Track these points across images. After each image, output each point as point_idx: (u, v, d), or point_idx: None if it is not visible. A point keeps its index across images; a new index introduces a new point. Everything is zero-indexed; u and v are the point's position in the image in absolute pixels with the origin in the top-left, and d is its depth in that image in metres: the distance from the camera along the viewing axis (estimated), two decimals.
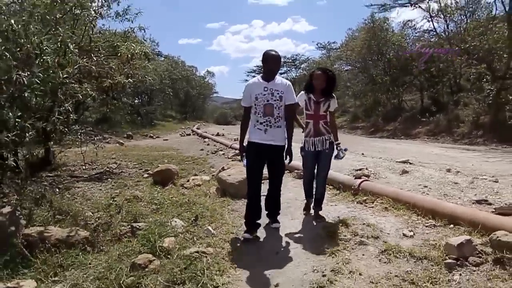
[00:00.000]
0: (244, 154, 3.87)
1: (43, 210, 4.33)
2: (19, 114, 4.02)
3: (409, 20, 20.95)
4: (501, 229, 3.11)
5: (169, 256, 3.25)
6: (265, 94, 3.66)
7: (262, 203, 4.01)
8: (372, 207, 4.47)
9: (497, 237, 2.92)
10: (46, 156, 8.03)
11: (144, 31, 7.96)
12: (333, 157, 4.14)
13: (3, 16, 3.67)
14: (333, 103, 4.05)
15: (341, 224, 3.86)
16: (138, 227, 3.95)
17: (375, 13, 20.32)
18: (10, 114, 3.81)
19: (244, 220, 3.87)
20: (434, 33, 19.58)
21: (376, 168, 6.08)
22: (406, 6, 20.89)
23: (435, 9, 17.17)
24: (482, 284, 2.61)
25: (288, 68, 45.40)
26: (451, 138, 14.30)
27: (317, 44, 39.66)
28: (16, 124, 3.99)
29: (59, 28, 5.23)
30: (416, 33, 21.13)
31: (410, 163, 6.60)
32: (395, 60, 19.23)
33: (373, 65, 20.95)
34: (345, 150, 4.19)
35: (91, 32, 6.75)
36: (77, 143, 7.93)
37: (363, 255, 3.24)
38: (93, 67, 5.30)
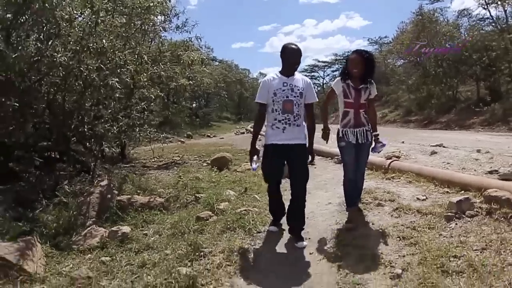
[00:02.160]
0: (254, 156, 3.52)
1: (128, 186, 5.56)
2: (109, 111, 5.28)
3: (464, 9, 20.44)
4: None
5: (224, 213, 4.23)
6: (284, 90, 3.37)
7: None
8: (398, 181, 5.11)
9: (488, 193, 3.51)
10: (122, 151, 9.55)
11: (200, 40, 9.16)
12: (372, 150, 3.84)
13: (96, 38, 4.88)
14: (373, 89, 3.69)
15: (365, 192, 4.57)
16: (200, 197, 4.99)
17: (426, 5, 20.11)
18: (104, 110, 5.04)
19: (270, 212, 3.87)
20: (491, 20, 18.98)
21: (409, 151, 6.64)
22: None
23: None
24: (470, 228, 3.24)
25: (340, 66, 45.22)
26: (507, 127, 13.94)
27: (368, 40, 39.27)
28: (107, 118, 5.25)
29: (133, 43, 6.51)
30: (472, 21, 20.55)
31: (444, 147, 7.01)
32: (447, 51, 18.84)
33: (424, 58, 20.64)
34: (383, 145, 3.83)
35: (157, 43, 8.07)
36: (146, 141, 9.32)
37: (379, 212, 3.97)
38: (162, 72, 6.51)
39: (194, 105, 31.74)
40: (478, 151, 6.03)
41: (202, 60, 8.08)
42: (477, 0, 18.06)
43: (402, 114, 24.47)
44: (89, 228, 4.05)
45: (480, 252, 2.75)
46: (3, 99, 4.43)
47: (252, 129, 3.84)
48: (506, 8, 17.91)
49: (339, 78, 3.74)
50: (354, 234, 3.53)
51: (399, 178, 5.21)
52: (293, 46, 3.45)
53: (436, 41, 18.73)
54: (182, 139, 18.26)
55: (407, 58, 23.29)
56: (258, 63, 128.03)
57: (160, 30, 8.11)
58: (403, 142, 8.91)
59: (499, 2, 17.99)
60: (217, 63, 39.55)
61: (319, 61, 47.02)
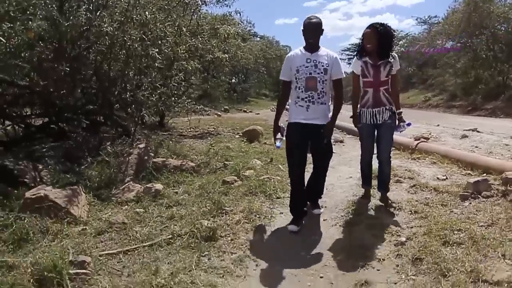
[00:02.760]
0: (278, 134, 3.43)
1: (163, 150, 5.99)
2: (149, 79, 5.66)
3: None
4: None
5: (248, 179, 4.53)
6: (307, 66, 3.23)
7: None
8: (422, 161, 5.17)
9: (506, 175, 3.54)
10: (161, 120, 10.10)
11: (240, 15, 9.32)
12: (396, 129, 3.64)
13: (140, 10, 5.20)
14: (395, 65, 3.46)
15: None
16: (228, 164, 5.32)
17: None
18: (145, 79, 5.42)
19: (289, 209, 3.53)
20: None
21: (440, 134, 6.59)
22: None
23: None
24: (482, 207, 3.33)
25: None
26: None
27: (416, 19, 37.36)
28: (147, 86, 5.64)
29: (174, 15, 6.81)
30: None
31: (478, 131, 6.87)
32: (500, 33, 17.72)
33: (475, 40, 19.52)
34: (408, 124, 3.64)
35: (196, 17, 8.32)
36: (184, 111, 9.75)
37: (396, 188, 4.11)
38: (200, 45, 6.80)
39: (233, 80, 32.06)
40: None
41: (238, 34, 8.26)
42: None
43: (446, 98, 23.44)
44: (127, 184, 4.51)
45: (485, 228, 2.86)
46: (55, 65, 4.89)
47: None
48: None
49: (356, 57, 3.60)
50: (368, 206, 3.72)
51: (424, 159, 5.26)
52: (310, 20, 3.24)
53: (487, 22, 17.59)
54: (219, 113, 18.71)
55: (457, 40, 22.12)
56: (301, 40, 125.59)
57: (201, 3, 8.32)
58: (438, 125, 8.79)
59: None
60: (258, 39, 39.24)
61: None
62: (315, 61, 3.25)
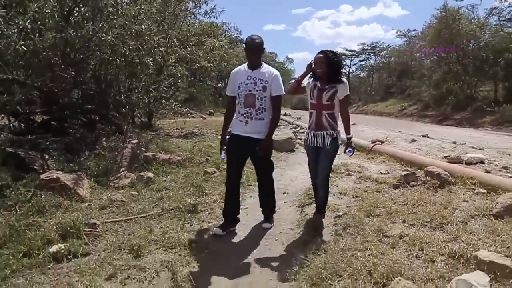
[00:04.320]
0: (224, 147, 3.59)
1: (153, 146, 6.80)
2: (142, 84, 6.47)
3: (495, 8, 20.54)
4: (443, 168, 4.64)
5: (225, 171, 5.37)
6: (247, 83, 3.37)
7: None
8: (374, 160, 6.13)
9: (427, 169, 4.50)
10: (149, 121, 10.88)
11: (226, 25, 10.20)
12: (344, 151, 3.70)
13: (137, 24, 6.03)
14: (341, 90, 3.42)
15: (341, 165, 5.61)
16: (209, 159, 6.17)
17: (455, 1, 20.22)
18: (138, 83, 6.23)
19: (222, 212, 3.74)
20: None
21: (395, 139, 7.59)
22: None
23: None
24: (406, 193, 4.24)
25: (367, 56, 45.16)
26: None
27: (396, 32, 39.06)
28: (140, 90, 6.44)
29: (165, 26, 7.66)
30: (501, 21, 20.60)
31: (428, 137, 7.90)
32: (469, 49, 19.14)
33: (447, 55, 20.93)
34: (350, 151, 3.61)
35: (185, 27, 9.19)
36: (171, 113, 10.55)
37: (346, 180, 5.03)
38: (188, 54, 7.65)
39: (219, 84, 32.90)
40: (454, 142, 6.91)
41: (222, 46, 9.16)
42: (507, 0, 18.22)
43: (420, 108, 24.85)
44: (122, 173, 5.31)
45: (400, 206, 3.78)
46: (63, 67, 5.66)
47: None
48: None
49: (312, 78, 3.60)
50: None
51: (377, 158, 6.21)
52: (251, 39, 3.40)
53: (458, 39, 18.97)
54: (204, 116, 19.51)
55: (432, 54, 23.52)
56: (288, 47, 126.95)
57: (190, 15, 9.19)
58: (399, 131, 9.82)
59: None
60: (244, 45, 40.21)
61: (347, 50, 46.84)
62: (255, 79, 3.39)
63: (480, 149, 6.14)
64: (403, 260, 2.62)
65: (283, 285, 2.69)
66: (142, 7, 5.79)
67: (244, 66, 3.54)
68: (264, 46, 3.50)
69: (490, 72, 19.34)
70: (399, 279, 2.25)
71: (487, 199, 3.72)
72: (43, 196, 3.99)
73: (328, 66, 3.40)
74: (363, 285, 2.37)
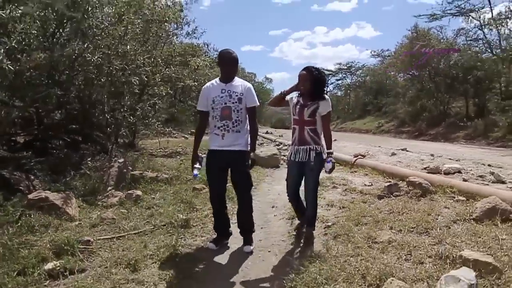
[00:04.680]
0: (196, 163, 3.54)
1: (139, 165, 6.80)
2: (128, 103, 6.52)
3: (462, 28, 21.73)
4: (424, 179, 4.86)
5: None
6: (222, 96, 3.37)
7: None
8: (357, 173, 6.33)
9: (409, 179, 4.71)
10: (132, 141, 10.83)
11: (207, 46, 10.43)
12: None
13: (123, 45, 6.13)
14: (323, 107, 3.46)
15: (326, 179, 5.77)
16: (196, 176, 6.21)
17: (425, 22, 21.32)
18: (123, 103, 6.28)
19: (213, 228, 3.78)
20: (485, 41, 20.21)
21: (376, 153, 7.87)
22: (457, 15, 21.74)
23: (486, 18, 17.96)
24: (390, 202, 4.42)
25: (344, 75, 46.46)
26: (486, 141, 15.09)
27: (371, 52, 40.50)
28: (126, 109, 6.49)
29: (149, 47, 7.79)
30: (468, 41, 21.75)
31: (407, 151, 8.22)
32: (440, 68, 20.09)
33: (419, 73, 21.88)
34: (330, 163, 3.49)
35: (168, 47, 9.35)
36: (153, 134, 10.57)
37: (332, 192, 5.19)
38: (173, 74, 7.78)
39: None
40: (432, 155, 7.22)
41: (206, 66, 9.37)
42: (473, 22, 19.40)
43: (396, 124, 25.66)
44: (109, 192, 5.29)
45: (386, 214, 3.95)
46: (47, 86, 5.67)
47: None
48: (499, 31, 19.20)
49: (297, 94, 3.64)
50: None
51: (360, 171, 6.42)
52: (226, 53, 3.44)
53: (428, 59, 19.90)
54: (186, 135, 19.49)
55: (405, 72, 24.52)
56: (266, 67, 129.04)
57: (172, 36, 9.37)
58: (379, 146, 10.15)
59: (493, 25, 19.32)
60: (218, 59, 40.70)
61: (323, 69, 48.05)
62: (229, 91, 3.39)
63: (456, 160, 6.46)
64: (393, 263, 2.75)
65: None
66: (128, 27, 5.90)
67: (216, 80, 3.55)
68: (239, 62, 3.56)
69: (460, 89, 20.29)
70: (392, 280, 2.37)
71: (466, 205, 3.94)
72: (32, 216, 3.95)
73: (311, 83, 3.44)
74: None
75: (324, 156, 3.54)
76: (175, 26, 9.90)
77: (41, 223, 3.90)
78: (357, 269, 2.69)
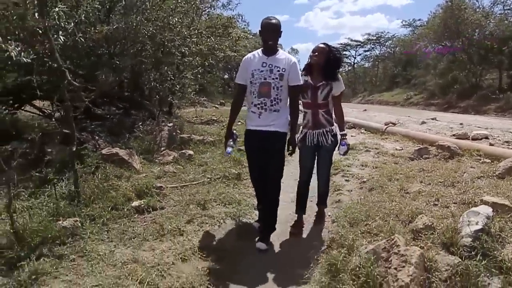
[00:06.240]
0: (229, 141, 3.35)
1: (185, 129, 7.46)
2: (176, 72, 7.10)
3: None
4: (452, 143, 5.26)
5: None
6: (262, 70, 3.08)
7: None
8: (388, 139, 6.75)
9: (438, 143, 5.13)
10: (170, 109, 11.54)
11: (242, 17, 10.80)
12: (336, 150, 3.56)
13: (171, 15, 6.64)
14: (337, 87, 3.35)
15: (359, 143, 6.24)
16: (239, 140, 6.81)
17: None
18: (169, 72, 6.86)
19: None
20: None
21: (406, 121, 8.21)
22: None
23: None
24: (421, 163, 4.87)
25: (372, 46, 45.39)
26: None
27: (401, 22, 39.28)
28: (171, 79, 7.08)
29: (190, 18, 8.28)
30: (505, 10, 20.97)
31: (436, 120, 8.52)
32: (474, 38, 19.59)
33: (453, 44, 21.38)
34: (343, 145, 3.49)
35: (206, 18, 9.82)
36: (188, 103, 11.20)
37: (365, 155, 5.67)
38: (216, 44, 8.28)
39: (226, 76, 33.59)
40: (461, 124, 7.52)
41: (247, 37, 9.80)
42: None
43: (425, 97, 25.30)
44: (163, 151, 5.97)
45: (416, 172, 4.42)
46: (106, 56, 6.31)
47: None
48: None
49: (303, 72, 3.41)
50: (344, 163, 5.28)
51: (390, 138, 6.84)
52: (268, 21, 3.09)
53: (464, 29, 19.40)
54: (216, 105, 20.16)
55: (439, 43, 23.92)
56: (292, 38, 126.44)
57: (210, 7, 9.82)
58: (409, 116, 10.43)
59: None
60: (251, 36, 40.70)
61: (351, 40, 47.03)
62: (270, 66, 3.10)
63: (485, 129, 6.76)
64: (423, 207, 3.26)
65: (324, 230, 3.35)
66: (179, 1, 6.39)
67: (258, 51, 3.24)
68: (281, 30, 3.18)
69: (495, 61, 19.80)
70: (422, 216, 2.89)
71: (491, 166, 4.35)
72: (107, 168, 4.65)
73: (326, 59, 3.29)
74: (393, 223, 3.01)
75: (339, 137, 3.49)
76: None
77: (114, 174, 4.61)
78: (392, 210, 3.22)
